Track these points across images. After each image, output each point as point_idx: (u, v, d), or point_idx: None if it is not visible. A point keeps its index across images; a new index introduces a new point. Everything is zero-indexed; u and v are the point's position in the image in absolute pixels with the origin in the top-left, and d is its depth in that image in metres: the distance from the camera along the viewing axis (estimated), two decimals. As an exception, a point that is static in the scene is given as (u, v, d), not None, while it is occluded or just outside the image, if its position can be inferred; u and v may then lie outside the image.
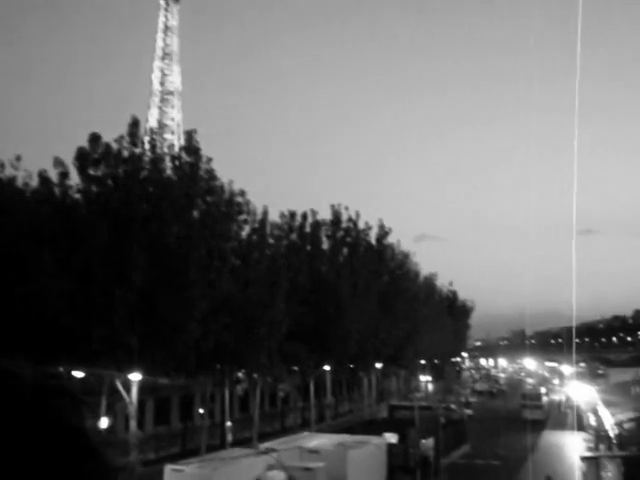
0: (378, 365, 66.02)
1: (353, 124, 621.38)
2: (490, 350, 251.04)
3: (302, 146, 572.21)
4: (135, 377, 32.60)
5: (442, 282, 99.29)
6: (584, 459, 42.69)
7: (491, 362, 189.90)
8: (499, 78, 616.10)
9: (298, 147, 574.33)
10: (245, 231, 41.39)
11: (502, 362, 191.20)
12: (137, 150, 33.55)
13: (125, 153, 33.04)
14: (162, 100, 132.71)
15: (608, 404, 47.91)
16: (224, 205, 37.24)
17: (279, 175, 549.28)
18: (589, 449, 45.62)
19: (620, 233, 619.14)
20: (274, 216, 48.27)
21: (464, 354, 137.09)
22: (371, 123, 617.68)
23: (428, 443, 38.57)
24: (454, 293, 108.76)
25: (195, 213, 35.76)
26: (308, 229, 52.74)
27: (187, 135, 36.15)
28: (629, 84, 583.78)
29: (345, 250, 56.66)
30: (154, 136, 36.82)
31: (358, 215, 58.57)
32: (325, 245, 55.23)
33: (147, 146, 34.49)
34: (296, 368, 51.22)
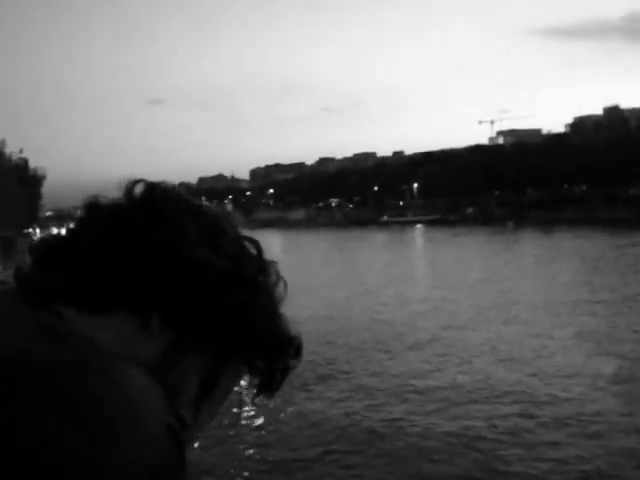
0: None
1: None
2: (63, 220, 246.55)
3: None
4: None
5: (12, 150, 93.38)
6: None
7: (64, 232, 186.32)
8: None
9: None
10: None
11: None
12: None
13: None
14: None
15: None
16: None
17: None
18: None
19: (188, 105, 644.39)
20: None
21: (36, 225, 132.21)
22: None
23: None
24: (25, 161, 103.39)
25: None
26: None
27: None
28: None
29: None
30: None
31: None
32: None
33: None
34: None
